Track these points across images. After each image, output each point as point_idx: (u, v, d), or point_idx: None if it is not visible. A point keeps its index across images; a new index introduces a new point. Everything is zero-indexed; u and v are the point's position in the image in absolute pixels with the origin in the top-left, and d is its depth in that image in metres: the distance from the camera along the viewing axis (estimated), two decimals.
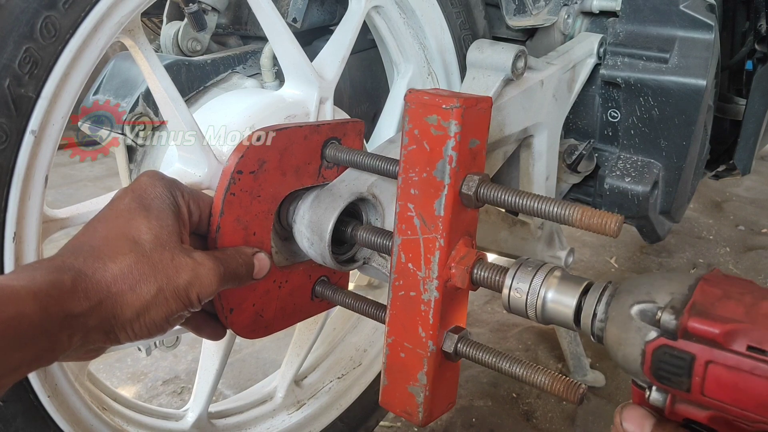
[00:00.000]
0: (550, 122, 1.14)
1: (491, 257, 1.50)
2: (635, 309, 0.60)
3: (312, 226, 0.80)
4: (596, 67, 1.24)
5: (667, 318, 0.56)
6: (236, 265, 0.70)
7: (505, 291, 0.68)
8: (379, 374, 1.21)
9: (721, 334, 0.53)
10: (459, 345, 0.72)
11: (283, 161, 0.79)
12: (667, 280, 0.60)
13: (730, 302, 0.55)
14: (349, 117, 1.02)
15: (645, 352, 0.58)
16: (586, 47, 1.22)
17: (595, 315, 0.64)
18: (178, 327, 0.87)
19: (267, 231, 0.80)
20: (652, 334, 0.58)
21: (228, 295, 0.77)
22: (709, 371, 0.54)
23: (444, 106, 0.66)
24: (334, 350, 1.23)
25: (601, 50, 1.24)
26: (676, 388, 0.56)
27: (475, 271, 0.70)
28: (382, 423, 1.32)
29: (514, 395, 1.60)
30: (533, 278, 0.67)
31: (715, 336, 0.54)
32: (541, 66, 1.11)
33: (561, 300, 0.66)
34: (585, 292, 0.65)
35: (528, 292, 0.67)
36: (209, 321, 0.76)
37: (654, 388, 0.59)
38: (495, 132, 0.98)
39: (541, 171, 1.16)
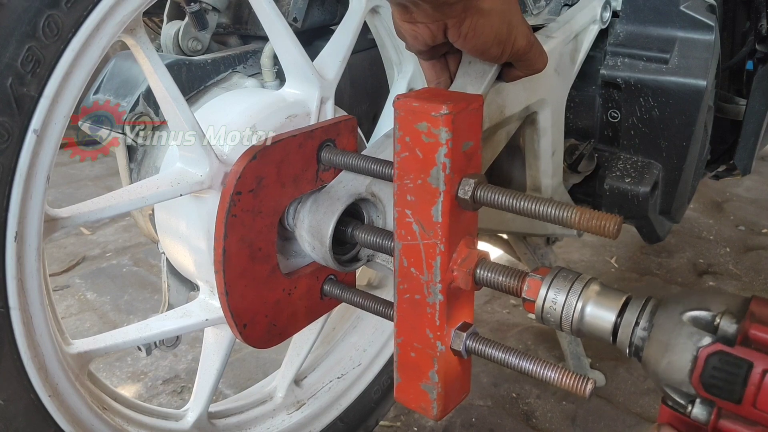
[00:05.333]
0: (553, 97, 1.12)
1: (496, 254, 1.50)
2: (688, 315, 0.57)
3: (312, 230, 0.81)
4: (597, 62, 1.23)
5: (727, 323, 0.54)
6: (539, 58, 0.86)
7: (539, 302, 0.66)
8: (379, 374, 1.22)
9: None
10: (468, 342, 0.72)
11: (281, 173, 0.79)
12: (718, 295, 0.58)
13: None
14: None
15: (697, 358, 0.55)
16: (588, 14, 1.18)
17: (637, 323, 0.61)
18: (179, 326, 0.88)
19: (272, 244, 0.81)
20: (707, 339, 0.55)
21: (240, 313, 0.78)
22: (766, 381, 0.52)
23: (433, 113, 0.65)
24: (334, 350, 1.23)
25: (606, 15, 1.20)
26: (726, 398, 0.54)
27: (478, 271, 0.70)
28: (381, 422, 1.33)
29: (514, 395, 1.60)
30: (570, 290, 0.65)
31: None
32: (540, 41, 1.09)
33: (599, 313, 0.64)
34: (625, 305, 0.63)
35: (564, 304, 0.65)
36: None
37: (698, 401, 0.56)
38: (495, 114, 0.97)
39: (547, 147, 1.15)
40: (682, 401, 0.59)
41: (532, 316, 0.69)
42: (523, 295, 0.68)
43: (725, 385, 0.54)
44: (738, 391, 0.53)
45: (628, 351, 0.63)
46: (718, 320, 0.55)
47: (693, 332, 0.57)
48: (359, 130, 0.94)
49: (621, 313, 0.63)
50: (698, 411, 0.57)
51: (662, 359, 0.59)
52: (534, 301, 0.67)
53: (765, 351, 0.53)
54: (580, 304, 0.65)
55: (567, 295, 0.65)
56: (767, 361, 0.52)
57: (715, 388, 0.55)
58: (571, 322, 0.65)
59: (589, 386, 0.65)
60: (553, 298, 0.66)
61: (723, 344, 0.55)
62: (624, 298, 0.64)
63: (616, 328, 0.63)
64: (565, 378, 0.66)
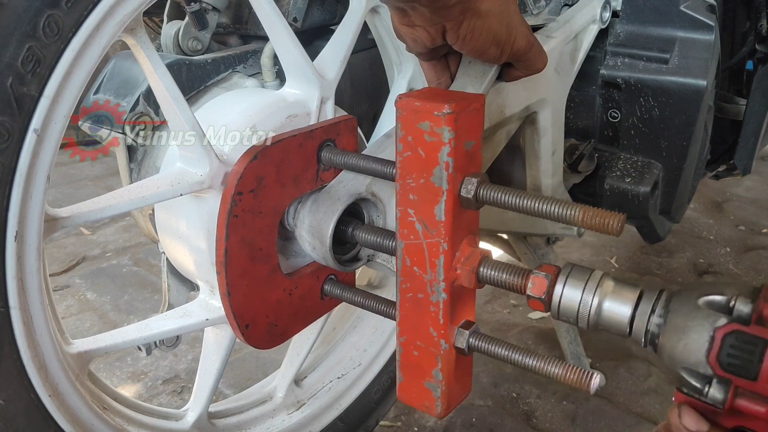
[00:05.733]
0: (553, 97, 1.12)
1: (496, 254, 1.49)
2: (703, 300, 0.60)
3: (312, 230, 0.81)
4: (597, 62, 1.23)
5: (742, 304, 0.57)
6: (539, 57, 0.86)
7: (556, 299, 0.67)
8: (379, 374, 1.22)
9: None
10: (471, 339, 0.73)
11: (281, 173, 0.79)
12: (730, 282, 0.61)
13: None
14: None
15: (714, 337, 0.57)
16: (588, 14, 1.18)
17: (653, 311, 0.63)
18: (179, 326, 0.88)
19: (272, 243, 0.81)
20: (723, 320, 0.58)
21: (242, 313, 0.78)
22: None
23: (435, 112, 0.65)
24: (334, 350, 1.23)
25: (606, 15, 1.20)
26: (743, 376, 0.56)
27: (481, 270, 0.71)
28: (382, 422, 1.32)
29: (515, 395, 1.60)
30: (585, 287, 0.66)
31: None
32: (540, 41, 1.09)
33: (615, 308, 0.65)
34: (640, 297, 0.65)
35: (581, 301, 0.66)
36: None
37: (714, 381, 0.58)
38: (495, 114, 0.97)
39: (547, 146, 1.15)
40: (698, 384, 0.60)
41: (534, 314, 0.69)
42: (528, 292, 0.69)
43: (742, 362, 0.56)
44: (754, 368, 0.55)
45: (643, 340, 0.65)
46: (734, 302, 0.57)
47: (709, 314, 0.59)
48: (359, 130, 0.94)
49: (636, 305, 0.65)
50: (715, 391, 0.58)
51: (679, 342, 0.60)
52: (537, 298, 0.68)
53: None
54: (596, 300, 0.66)
55: (583, 291, 0.66)
56: None
57: (732, 366, 0.56)
58: (588, 318, 0.66)
59: (594, 380, 0.65)
60: (569, 295, 0.67)
61: (739, 324, 0.57)
62: (639, 291, 0.66)
63: (632, 319, 0.65)
64: (569, 373, 0.66)
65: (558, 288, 0.67)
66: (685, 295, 0.62)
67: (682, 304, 0.61)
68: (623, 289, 0.66)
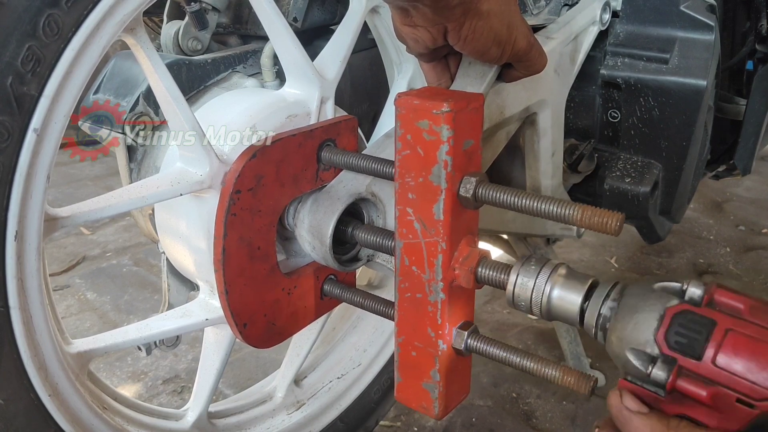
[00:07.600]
0: (553, 98, 1.12)
1: (496, 254, 1.49)
2: (658, 285, 0.62)
3: (312, 230, 0.81)
4: (597, 62, 1.23)
5: (695, 288, 0.59)
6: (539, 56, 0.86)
7: (510, 288, 0.68)
8: (379, 374, 1.22)
9: (747, 307, 0.57)
10: (469, 341, 0.72)
11: (281, 172, 0.79)
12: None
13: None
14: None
15: (664, 316, 0.59)
16: (588, 15, 1.18)
17: (608, 296, 0.65)
18: (179, 326, 0.88)
19: (271, 243, 0.81)
20: (675, 301, 0.60)
21: (240, 312, 0.78)
22: (727, 338, 0.56)
23: (434, 111, 0.65)
24: (334, 350, 1.23)
25: (605, 17, 1.20)
26: (688, 354, 0.57)
27: (479, 270, 0.70)
28: (381, 422, 1.32)
29: (515, 395, 1.60)
30: (538, 275, 0.67)
31: (740, 310, 0.57)
32: (540, 42, 1.09)
33: (566, 297, 0.66)
34: (591, 289, 0.66)
35: (533, 289, 0.67)
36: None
37: (659, 361, 0.59)
38: (495, 115, 0.97)
39: (547, 147, 1.15)
40: (642, 367, 0.60)
41: (532, 315, 0.69)
42: None
43: (688, 341, 0.57)
44: (699, 347, 0.57)
45: (594, 328, 0.65)
46: (686, 286, 0.60)
47: (662, 296, 0.61)
48: (359, 130, 0.94)
49: (588, 294, 0.66)
50: (658, 370, 0.59)
51: (630, 322, 0.61)
52: None
53: (728, 313, 0.57)
54: (548, 287, 0.67)
55: (536, 278, 0.67)
56: (730, 321, 0.57)
57: (678, 345, 0.58)
58: (540, 305, 0.67)
59: (591, 383, 0.65)
60: (522, 282, 0.68)
61: (690, 305, 0.59)
62: (591, 280, 0.67)
63: (583, 308, 0.66)
64: (566, 376, 0.66)
65: (512, 276, 0.68)
66: (641, 283, 0.64)
67: (638, 288, 0.63)
68: (576, 278, 0.67)
